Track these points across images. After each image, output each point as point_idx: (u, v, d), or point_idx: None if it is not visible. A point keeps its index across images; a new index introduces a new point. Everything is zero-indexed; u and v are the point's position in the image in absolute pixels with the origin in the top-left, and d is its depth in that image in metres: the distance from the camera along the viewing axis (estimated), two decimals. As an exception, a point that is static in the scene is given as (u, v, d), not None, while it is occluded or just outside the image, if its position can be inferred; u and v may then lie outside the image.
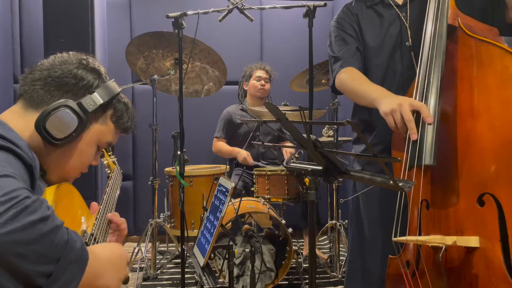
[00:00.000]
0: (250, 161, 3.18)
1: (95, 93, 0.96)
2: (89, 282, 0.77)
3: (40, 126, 0.89)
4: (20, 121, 0.91)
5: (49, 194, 0.89)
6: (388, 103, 1.31)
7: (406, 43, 1.57)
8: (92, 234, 0.99)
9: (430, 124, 1.24)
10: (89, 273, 0.75)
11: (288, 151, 3.27)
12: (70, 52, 1.00)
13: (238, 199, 2.49)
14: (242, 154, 3.20)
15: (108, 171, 1.36)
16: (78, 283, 0.73)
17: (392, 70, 1.60)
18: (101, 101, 0.96)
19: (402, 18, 1.59)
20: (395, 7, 1.61)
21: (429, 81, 1.30)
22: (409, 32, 1.57)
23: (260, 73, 3.38)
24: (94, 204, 1.14)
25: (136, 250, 3.03)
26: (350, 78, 1.58)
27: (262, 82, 3.36)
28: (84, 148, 0.98)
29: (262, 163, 3.30)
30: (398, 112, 1.27)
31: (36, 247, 0.66)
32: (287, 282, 2.73)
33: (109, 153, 1.38)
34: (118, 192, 1.32)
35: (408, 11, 1.59)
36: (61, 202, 0.91)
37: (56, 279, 0.69)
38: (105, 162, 1.37)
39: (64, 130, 0.91)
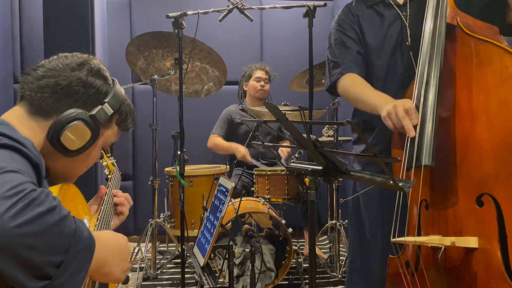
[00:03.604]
0: (249, 159, 3.18)
1: (106, 104, 0.97)
2: (95, 269, 0.78)
3: (54, 138, 0.91)
4: (27, 127, 0.91)
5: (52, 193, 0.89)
6: (386, 107, 1.33)
7: (406, 43, 1.57)
8: (93, 235, 0.99)
9: (414, 125, 1.26)
10: (95, 260, 0.76)
11: (284, 150, 3.27)
12: (74, 53, 1.00)
13: (238, 199, 2.49)
14: (241, 151, 3.19)
15: (107, 173, 1.36)
16: (87, 271, 0.74)
17: (392, 70, 1.60)
18: (112, 111, 0.98)
19: (403, 17, 1.59)
20: (395, 7, 1.61)
21: (428, 80, 1.30)
22: (408, 32, 1.57)
23: (260, 73, 3.38)
24: (102, 187, 1.16)
25: (136, 250, 3.03)
26: (351, 85, 1.59)
27: (262, 83, 3.36)
28: (92, 153, 1.01)
29: (262, 162, 3.30)
30: (393, 114, 1.29)
31: (46, 238, 0.67)
32: (287, 282, 2.73)
33: (108, 155, 1.38)
34: None
35: (408, 10, 1.59)
36: (64, 202, 0.91)
37: (66, 268, 0.70)
38: (104, 163, 1.37)
39: (78, 142, 0.93)
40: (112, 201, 1.23)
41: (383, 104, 1.38)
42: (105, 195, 1.18)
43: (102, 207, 1.12)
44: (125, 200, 1.24)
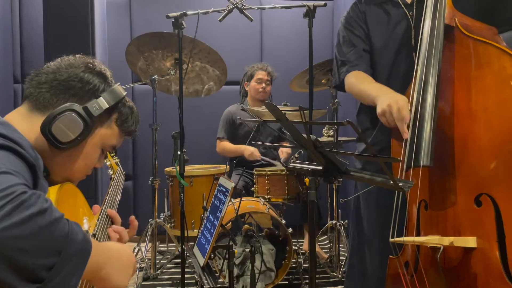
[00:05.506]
0: (258, 155, 3.18)
1: (101, 98, 0.97)
2: (92, 273, 0.78)
3: (45, 129, 0.90)
4: (25, 123, 0.92)
5: (52, 194, 0.89)
6: (381, 103, 1.35)
7: (411, 43, 1.57)
8: (94, 235, 1.00)
9: (406, 122, 1.28)
10: (92, 263, 0.75)
11: (284, 151, 3.27)
12: (77, 55, 1.01)
13: (238, 199, 2.49)
14: (249, 149, 3.20)
15: (111, 172, 1.36)
16: (81, 274, 0.74)
17: (396, 70, 1.60)
18: (107, 106, 0.97)
19: (409, 17, 1.58)
20: (403, 6, 1.60)
21: (426, 80, 1.31)
22: (413, 32, 1.57)
23: (261, 75, 3.36)
24: (96, 207, 1.14)
25: (136, 250, 3.03)
26: (356, 80, 1.61)
27: (263, 85, 3.34)
28: (89, 151, 0.99)
29: (263, 162, 3.30)
30: (388, 113, 1.31)
31: (36, 241, 0.66)
32: (287, 282, 2.73)
33: (111, 154, 1.38)
34: (120, 195, 1.32)
35: (415, 10, 1.58)
36: (63, 202, 0.91)
37: (58, 271, 0.69)
38: (108, 163, 1.37)
39: (69, 134, 0.92)
40: (114, 204, 1.23)
41: (379, 95, 1.40)
42: (107, 195, 1.18)
43: (103, 207, 1.12)
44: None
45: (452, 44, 1.31)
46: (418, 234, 1.33)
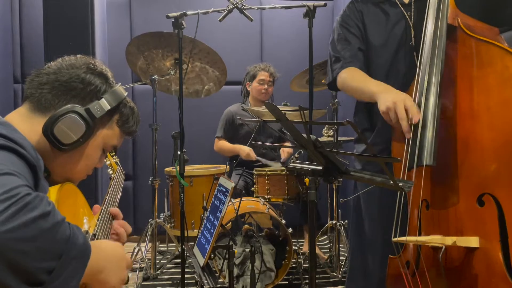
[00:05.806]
0: (253, 155, 3.18)
1: (102, 99, 0.97)
2: (90, 276, 0.78)
3: (48, 131, 0.90)
4: (26, 124, 0.92)
5: (52, 194, 0.89)
6: (384, 100, 1.34)
7: (410, 43, 1.57)
8: (94, 235, 0.99)
9: (415, 122, 1.26)
10: (91, 266, 0.75)
11: (285, 150, 3.27)
12: (78, 56, 1.01)
13: (238, 199, 2.49)
14: (245, 150, 3.20)
15: (110, 172, 1.36)
16: (80, 278, 0.73)
17: (395, 70, 1.59)
18: (109, 107, 0.97)
19: (407, 17, 1.58)
20: (400, 6, 1.60)
21: (429, 80, 1.30)
22: (412, 32, 1.57)
23: (263, 76, 3.35)
24: (96, 206, 1.14)
25: (136, 250, 3.03)
26: (350, 76, 1.59)
27: (266, 86, 3.33)
28: (90, 152, 0.99)
29: (263, 163, 3.30)
30: (393, 111, 1.30)
31: (38, 244, 0.66)
32: (287, 282, 2.73)
33: (111, 154, 1.38)
34: (120, 194, 1.32)
35: (413, 10, 1.58)
36: (64, 202, 0.91)
37: (58, 275, 0.69)
38: (108, 162, 1.36)
39: (71, 135, 0.92)
40: (115, 203, 1.22)
41: (380, 91, 1.39)
42: (107, 195, 1.18)
43: (103, 207, 1.12)
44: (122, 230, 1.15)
45: (454, 44, 1.31)
46: (419, 234, 1.32)
